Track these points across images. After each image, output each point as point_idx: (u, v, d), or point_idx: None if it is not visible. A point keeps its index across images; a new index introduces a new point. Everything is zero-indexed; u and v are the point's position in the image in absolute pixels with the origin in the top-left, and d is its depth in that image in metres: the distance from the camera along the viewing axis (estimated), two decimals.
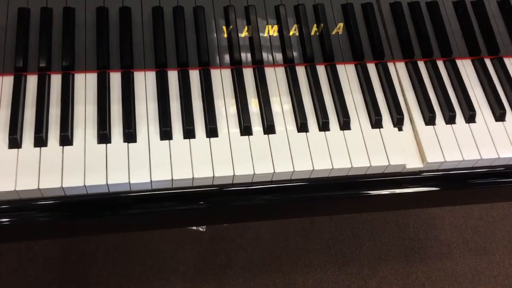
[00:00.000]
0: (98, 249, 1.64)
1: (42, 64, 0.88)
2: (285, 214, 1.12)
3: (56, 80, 0.88)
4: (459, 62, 1.03)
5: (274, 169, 0.86)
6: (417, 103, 0.97)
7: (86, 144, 0.83)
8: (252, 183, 0.88)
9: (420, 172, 0.94)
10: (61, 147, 0.82)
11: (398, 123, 0.94)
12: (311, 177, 0.90)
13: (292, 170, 0.87)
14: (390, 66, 1.00)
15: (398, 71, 1.00)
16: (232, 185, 0.88)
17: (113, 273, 1.60)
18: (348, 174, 0.91)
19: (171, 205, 0.88)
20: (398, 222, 1.84)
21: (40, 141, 0.82)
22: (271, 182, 0.89)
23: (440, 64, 1.02)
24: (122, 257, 1.63)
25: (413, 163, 0.92)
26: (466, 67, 1.03)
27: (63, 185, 0.79)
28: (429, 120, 0.94)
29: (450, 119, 0.95)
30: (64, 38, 0.90)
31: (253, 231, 1.74)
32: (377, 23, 1.01)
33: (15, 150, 0.81)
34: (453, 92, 1.00)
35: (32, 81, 0.88)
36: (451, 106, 0.96)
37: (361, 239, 1.78)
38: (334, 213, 1.57)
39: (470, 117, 0.96)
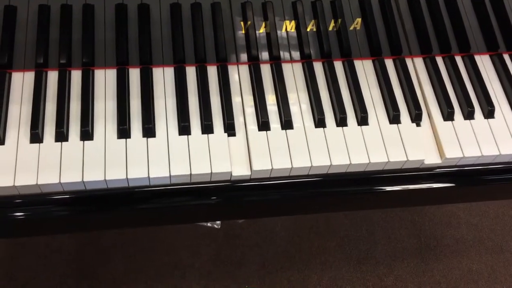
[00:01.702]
0: (114, 246, 1.65)
1: (63, 60, 0.89)
2: (302, 209, 1.12)
3: (76, 76, 0.90)
4: (477, 58, 1.02)
5: (292, 164, 0.86)
6: (435, 98, 0.96)
7: (106, 139, 0.84)
8: (269, 178, 0.89)
9: (438, 168, 0.93)
10: (82, 141, 0.83)
11: (416, 118, 0.93)
12: (329, 172, 0.90)
13: (310, 165, 0.87)
14: (408, 61, 0.99)
15: (416, 66, 1.00)
16: (250, 180, 0.88)
17: (129, 268, 1.61)
18: (365, 170, 0.91)
19: (189, 200, 0.89)
20: (414, 220, 1.83)
21: (61, 136, 0.83)
22: (289, 177, 0.89)
23: (458, 59, 1.01)
24: (138, 253, 1.65)
25: (431, 159, 0.91)
26: (484, 62, 1.02)
27: (84, 179, 0.80)
28: (448, 115, 0.94)
29: (468, 115, 0.95)
30: (84, 35, 0.91)
31: (268, 229, 1.74)
32: (394, 18, 1.01)
33: (37, 144, 0.82)
34: (472, 87, 0.99)
35: (52, 77, 0.89)
36: (469, 102, 0.95)
37: (377, 237, 1.77)
38: (350, 209, 1.56)
39: (489, 113, 0.95)
